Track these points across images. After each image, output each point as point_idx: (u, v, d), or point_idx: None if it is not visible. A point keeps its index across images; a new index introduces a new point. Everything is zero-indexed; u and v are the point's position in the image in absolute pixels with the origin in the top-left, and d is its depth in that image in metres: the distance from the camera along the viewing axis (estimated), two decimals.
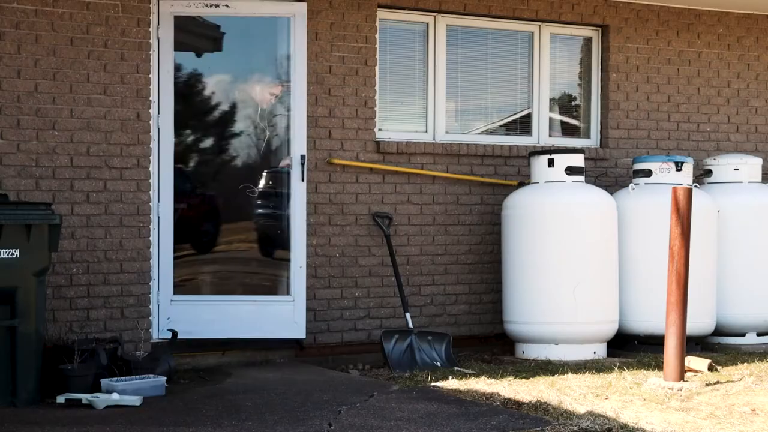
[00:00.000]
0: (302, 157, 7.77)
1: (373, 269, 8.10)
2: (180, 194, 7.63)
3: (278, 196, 7.94)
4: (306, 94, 7.83)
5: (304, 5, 7.85)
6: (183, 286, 7.71)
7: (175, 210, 7.58)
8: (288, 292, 7.83)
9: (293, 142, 7.86)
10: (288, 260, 7.83)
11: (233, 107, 8.07)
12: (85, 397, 6.07)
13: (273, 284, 7.98)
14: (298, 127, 7.85)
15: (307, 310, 7.86)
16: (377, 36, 8.19)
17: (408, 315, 7.83)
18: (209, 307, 7.71)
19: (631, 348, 8.25)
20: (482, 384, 6.72)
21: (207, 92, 8.00)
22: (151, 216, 7.41)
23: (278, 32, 7.93)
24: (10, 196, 6.84)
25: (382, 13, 8.28)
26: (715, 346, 8.54)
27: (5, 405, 6.08)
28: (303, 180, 7.81)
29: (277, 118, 7.99)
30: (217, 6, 7.71)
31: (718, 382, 6.81)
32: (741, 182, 8.79)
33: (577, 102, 9.28)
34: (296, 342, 7.89)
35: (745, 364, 7.62)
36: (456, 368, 7.38)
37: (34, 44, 7.03)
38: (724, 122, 9.58)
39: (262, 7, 7.79)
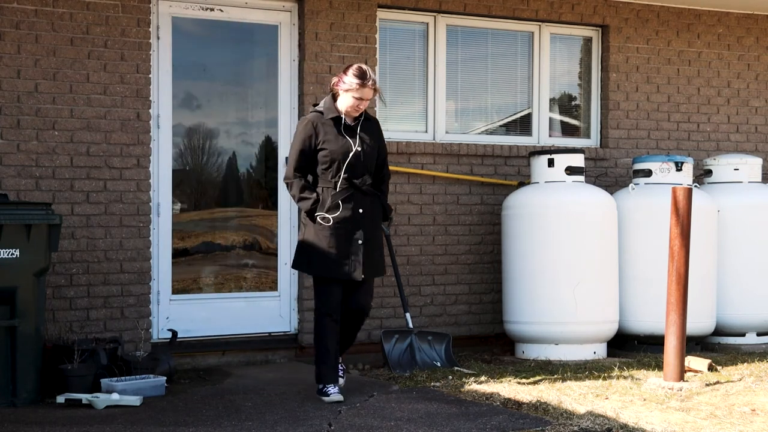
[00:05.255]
0: (287, 159, 7.83)
1: None
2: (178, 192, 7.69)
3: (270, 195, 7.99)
4: (289, 98, 7.96)
5: (288, 15, 7.92)
6: (181, 284, 7.74)
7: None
8: (275, 288, 7.97)
9: (279, 145, 7.97)
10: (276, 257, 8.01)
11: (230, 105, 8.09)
12: (85, 397, 6.08)
13: (263, 281, 8.04)
14: (283, 131, 7.96)
15: (307, 310, 7.86)
16: (377, 36, 8.19)
17: (408, 315, 7.82)
18: (206, 305, 7.74)
19: (631, 348, 8.25)
20: (482, 384, 6.72)
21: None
22: (150, 216, 7.42)
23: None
24: (10, 196, 6.84)
25: (382, 13, 8.29)
26: (715, 346, 8.54)
27: (5, 405, 6.08)
28: None
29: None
30: (212, 10, 7.73)
31: (718, 382, 6.81)
32: (741, 182, 8.79)
33: (577, 102, 9.28)
34: (295, 342, 7.91)
35: (745, 364, 7.62)
36: (456, 368, 7.38)
37: (34, 44, 7.03)
38: (724, 122, 9.59)
39: (250, 14, 7.85)
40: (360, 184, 6.16)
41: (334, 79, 6.20)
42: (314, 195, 6.14)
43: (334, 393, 6.14)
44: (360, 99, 6.11)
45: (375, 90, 6.17)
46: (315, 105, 6.32)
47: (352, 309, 6.28)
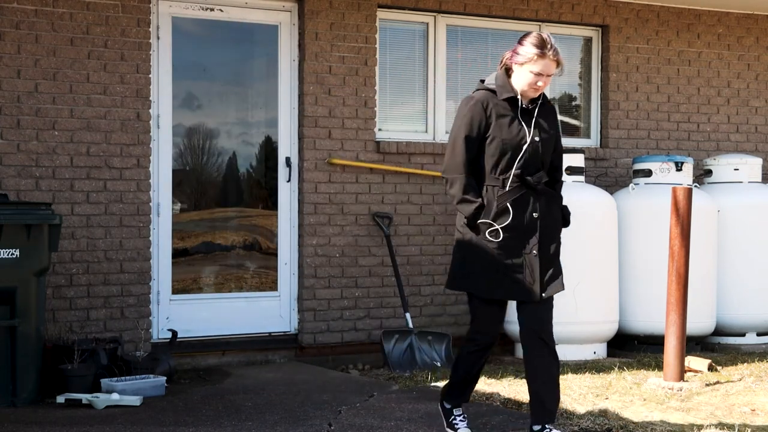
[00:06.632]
0: (287, 159, 7.92)
1: (373, 269, 8.10)
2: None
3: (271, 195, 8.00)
4: (289, 98, 7.96)
5: (288, 15, 7.92)
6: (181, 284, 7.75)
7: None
8: (275, 288, 7.97)
9: (279, 145, 7.98)
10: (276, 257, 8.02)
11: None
12: (85, 397, 6.08)
13: (263, 281, 8.05)
14: (283, 131, 7.97)
15: (307, 310, 7.87)
16: (377, 36, 8.19)
17: (408, 315, 7.83)
18: (206, 305, 7.75)
19: (631, 348, 8.25)
20: (482, 384, 6.72)
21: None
22: (150, 216, 7.42)
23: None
24: (10, 196, 6.84)
25: (382, 13, 8.29)
26: (715, 346, 8.54)
27: (5, 405, 6.08)
28: (288, 181, 7.94)
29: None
30: (212, 10, 7.73)
31: (718, 382, 6.81)
32: (741, 182, 8.79)
33: (577, 102, 9.28)
34: (295, 342, 7.90)
35: (745, 364, 7.62)
36: None
37: (34, 44, 7.03)
38: (724, 122, 9.59)
39: (250, 14, 7.86)
40: (534, 183, 4.98)
41: (507, 53, 5.05)
42: (479, 200, 4.96)
43: (462, 427, 5.19)
44: (539, 74, 4.93)
45: (558, 62, 4.97)
46: (482, 81, 5.13)
47: (527, 332, 5.19)
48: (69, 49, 7.13)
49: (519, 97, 4.99)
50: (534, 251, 4.98)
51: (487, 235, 4.95)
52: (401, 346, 7.60)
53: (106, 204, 7.24)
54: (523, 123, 4.99)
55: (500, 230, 4.93)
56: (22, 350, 6.17)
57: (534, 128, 5.00)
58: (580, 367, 7.47)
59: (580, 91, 9.25)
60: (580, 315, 7.90)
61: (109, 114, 7.25)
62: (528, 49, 4.93)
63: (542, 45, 4.92)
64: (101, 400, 6.04)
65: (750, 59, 9.69)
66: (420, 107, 8.53)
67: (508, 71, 5.03)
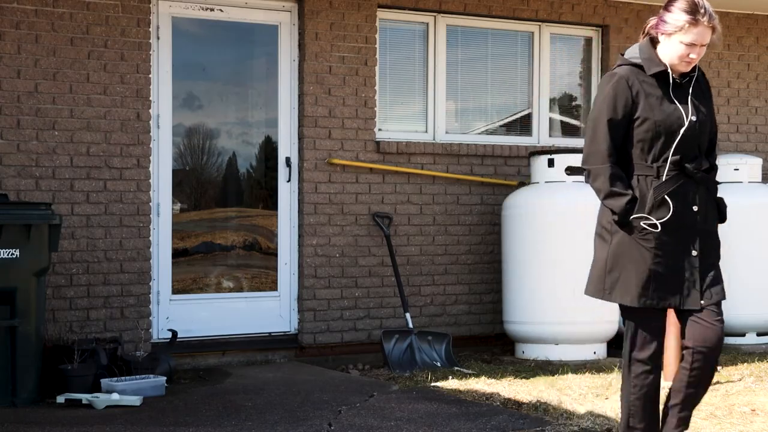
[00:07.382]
0: (287, 159, 7.92)
1: (373, 269, 8.10)
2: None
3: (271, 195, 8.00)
4: (289, 98, 7.96)
5: (288, 15, 7.92)
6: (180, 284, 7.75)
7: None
8: (275, 288, 7.97)
9: (279, 145, 7.97)
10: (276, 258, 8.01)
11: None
12: (85, 397, 6.08)
13: (263, 281, 8.05)
14: (283, 131, 7.97)
15: (307, 310, 7.87)
16: (377, 36, 8.19)
17: (408, 315, 7.83)
18: (206, 305, 7.74)
19: None
20: (482, 384, 6.72)
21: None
22: (150, 216, 7.42)
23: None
24: (10, 196, 6.84)
25: (382, 13, 8.29)
26: None
27: (5, 405, 6.08)
28: (288, 181, 7.94)
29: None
30: (212, 10, 7.73)
31: (718, 382, 6.81)
32: (741, 182, 8.79)
33: (577, 102, 9.28)
34: (296, 342, 7.90)
35: (745, 364, 7.61)
36: (456, 368, 7.38)
37: (34, 44, 7.03)
38: (724, 122, 9.58)
39: (250, 14, 7.85)
40: (693, 170, 4.32)
41: (651, 21, 4.41)
42: (630, 192, 4.32)
43: None
44: (692, 45, 4.27)
45: (713, 28, 4.29)
46: (622, 54, 4.49)
47: (690, 348, 4.32)
48: (69, 49, 7.13)
49: (669, 70, 4.34)
50: (694, 251, 4.33)
51: (642, 231, 4.29)
52: (401, 346, 7.60)
53: (106, 204, 7.24)
54: (677, 101, 4.34)
55: (659, 224, 4.26)
56: (22, 350, 6.17)
57: (691, 107, 4.34)
58: (580, 367, 7.47)
59: (581, 91, 9.25)
60: (580, 315, 7.89)
61: (109, 114, 7.25)
62: (677, 15, 4.28)
63: (694, 10, 4.26)
64: (101, 400, 6.04)
65: (750, 59, 9.69)
66: (420, 107, 8.53)
67: (653, 41, 4.40)
